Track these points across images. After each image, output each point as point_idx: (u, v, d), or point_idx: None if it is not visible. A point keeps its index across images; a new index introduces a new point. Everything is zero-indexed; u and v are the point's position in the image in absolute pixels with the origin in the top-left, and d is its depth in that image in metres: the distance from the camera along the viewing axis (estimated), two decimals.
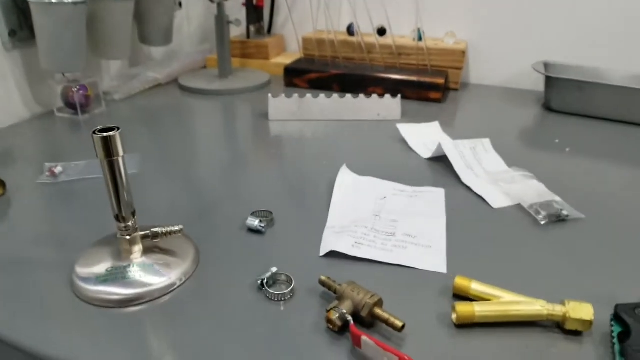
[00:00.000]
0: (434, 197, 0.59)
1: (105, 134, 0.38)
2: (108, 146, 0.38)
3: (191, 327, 0.39)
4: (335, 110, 0.84)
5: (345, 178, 0.62)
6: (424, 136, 0.77)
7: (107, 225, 0.51)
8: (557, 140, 0.76)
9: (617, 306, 0.39)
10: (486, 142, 0.71)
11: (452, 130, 0.80)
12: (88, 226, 0.52)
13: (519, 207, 0.57)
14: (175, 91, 0.99)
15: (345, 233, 0.50)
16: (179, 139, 0.76)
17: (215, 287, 0.43)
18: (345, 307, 0.38)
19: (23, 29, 0.79)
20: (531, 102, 0.95)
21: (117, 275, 0.43)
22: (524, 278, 0.45)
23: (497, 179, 0.62)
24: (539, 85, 0.96)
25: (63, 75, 0.82)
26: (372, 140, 0.76)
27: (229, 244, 0.50)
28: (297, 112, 0.84)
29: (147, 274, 0.43)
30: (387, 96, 0.84)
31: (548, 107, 0.91)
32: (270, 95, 0.83)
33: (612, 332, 0.38)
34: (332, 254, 0.47)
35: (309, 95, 0.83)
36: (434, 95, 0.93)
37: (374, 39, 1.01)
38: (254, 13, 1.11)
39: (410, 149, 0.73)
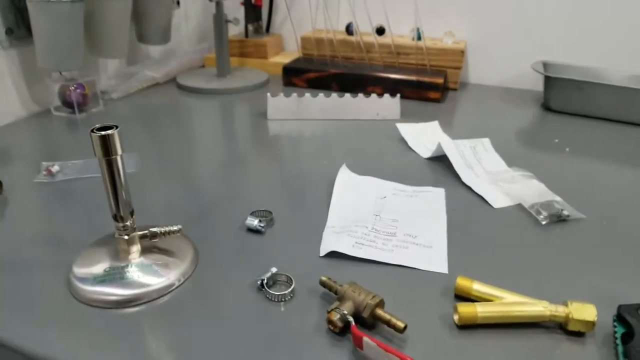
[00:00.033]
0: (434, 197, 0.58)
1: (103, 133, 0.37)
2: (106, 145, 0.38)
3: (190, 329, 0.38)
4: (335, 109, 0.84)
5: (345, 177, 0.61)
6: (424, 136, 0.77)
7: (104, 224, 0.51)
8: (556, 140, 0.76)
9: (619, 307, 0.39)
10: (486, 141, 0.71)
11: (451, 130, 0.80)
12: (85, 226, 0.51)
13: (519, 207, 0.57)
14: (173, 90, 0.98)
15: (346, 233, 0.50)
16: (176, 138, 0.75)
17: (215, 288, 0.43)
18: (347, 308, 0.38)
19: (20, 27, 0.79)
20: (530, 101, 0.95)
21: (115, 276, 0.42)
22: (525, 278, 0.45)
23: (497, 178, 0.62)
24: (538, 85, 0.96)
25: (60, 73, 0.81)
26: (371, 140, 0.76)
27: (228, 244, 0.49)
28: (296, 111, 0.83)
29: (146, 275, 0.43)
30: (386, 96, 0.84)
31: (547, 107, 0.90)
32: (269, 94, 0.82)
33: (615, 333, 0.37)
34: (332, 254, 0.47)
35: (308, 95, 0.83)
36: (433, 95, 0.93)
37: (373, 38, 1.01)
38: (253, 12, 1.11)
39: (410, 148, 0.73)
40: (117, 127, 0.38)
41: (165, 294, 0.42)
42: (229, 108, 0.90)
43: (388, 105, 0.84)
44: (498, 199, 0.58)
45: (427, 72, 0.96)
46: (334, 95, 0.83)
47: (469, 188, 0.61)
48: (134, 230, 0.44)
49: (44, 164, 0.63)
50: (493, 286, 0.41)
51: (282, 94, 0.83)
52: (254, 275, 0.44)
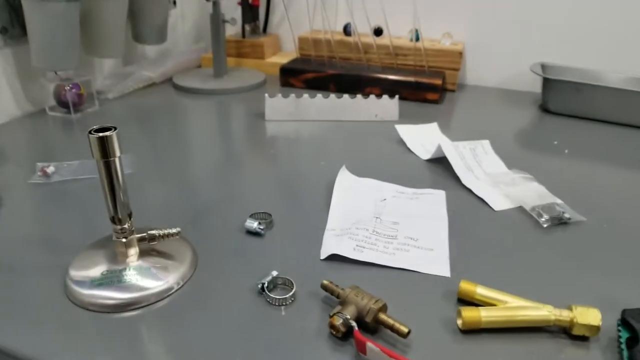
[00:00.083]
0: (435, 199, 0.58)
1: (101, 134, 0.37)
2: (104, 146, 0.37)
3: (189, 333, 0.38)
4: (333, 110, 0.83)
5: (345, 179, 0.61)
6: (423, 137, 0.76)
7: (101, 226, 0.50)
8: (555, 142, 0.76)
9: (624, 311, 0.38)
10: (485, 143, 0.71)
11: (450, 131, 0.80)
12: (82, 228, 0.51)
13: (520, 209, 0.56)
14: (169, 90, 0.98)
15: (346, 236, 0.49)
16: (173, 139, 0.74)
17: (214, 291, 0.42)
18: (349, 313, 0.37)
19: (15, 26, 0.78)
20: (528, 103, 0.95)
21: (112, 279, 0.42)
22: (527, 281, 0.44)
23: (497, 180, 0.62)
24: (536, 86, 0.96)
25: (55, 73, 0.80)
26: (370, 141, 0.75)
27: (228, 246, 0.48)
28: (293, 112, 0.82)
29: (144, 278, 0.42)
30: (385, 97, 0.83)
31: (545, 109, 0.90)
32: (266, 95, 0.81)
33: (620, 337, 0.37)
34: (333, 257, 0.47)
35: (305, 96, 0.82)
36: (431, 96, 0.93)
37: (371, 39, 1.00)
38: (250, 12, 1.10)
39: (409, 150, 0.72)
40: (115, 128, 0.37)
41: (164, 298, 0.41)
42: (226, 109, 0.90)
43: (386, 106, 0.84)
44: (499, 202, 0.58)
45: (425, 73, 0.96)
46: (332, 96, 0.83)
47: (469, 190, 0.60)
48: (132, 232, 0.43)
49: (39, 164, 0.62)
50: (497, 290, 0.41)
51: (279, 95, 0.82)
52: (254, 279, 0.43)
